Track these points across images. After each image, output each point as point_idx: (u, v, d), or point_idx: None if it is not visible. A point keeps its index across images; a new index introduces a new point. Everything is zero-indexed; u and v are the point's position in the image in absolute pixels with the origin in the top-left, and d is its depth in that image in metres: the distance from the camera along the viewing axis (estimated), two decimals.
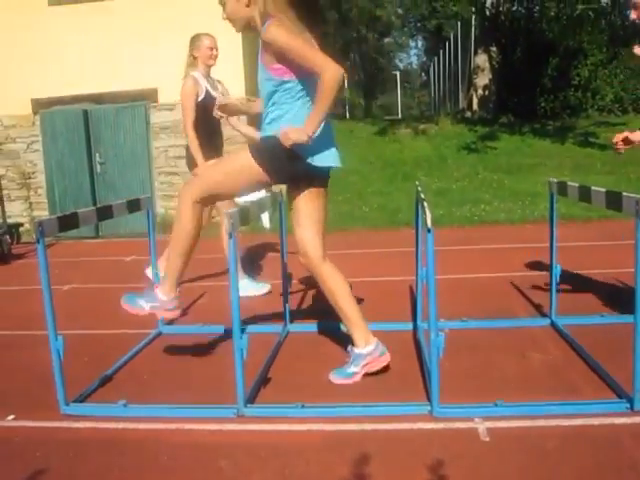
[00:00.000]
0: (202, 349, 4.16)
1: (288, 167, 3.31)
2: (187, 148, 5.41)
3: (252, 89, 10.51)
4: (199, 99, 5.25)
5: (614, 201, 3.12)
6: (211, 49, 5.39)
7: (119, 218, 4.38)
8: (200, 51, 5.36)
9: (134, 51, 9.96)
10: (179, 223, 3.48)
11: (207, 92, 5.32)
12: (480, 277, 5.89)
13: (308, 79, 3.19)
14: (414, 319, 4.38)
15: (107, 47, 10.05)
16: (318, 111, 3.13)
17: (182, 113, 5.24)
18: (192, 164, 5.32)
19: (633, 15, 3.46)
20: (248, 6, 3.26)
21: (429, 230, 2.87)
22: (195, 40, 5.41)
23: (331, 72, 3.03)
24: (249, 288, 5.42)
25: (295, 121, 3.22)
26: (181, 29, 9.85)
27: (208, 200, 3.51)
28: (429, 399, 3.07)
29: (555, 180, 4.10)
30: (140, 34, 9.98)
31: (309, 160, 3.29)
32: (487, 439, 2.79)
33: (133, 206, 4.07)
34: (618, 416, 2.93)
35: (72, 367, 3.50)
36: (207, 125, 5.25)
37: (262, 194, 4.14)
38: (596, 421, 2.90)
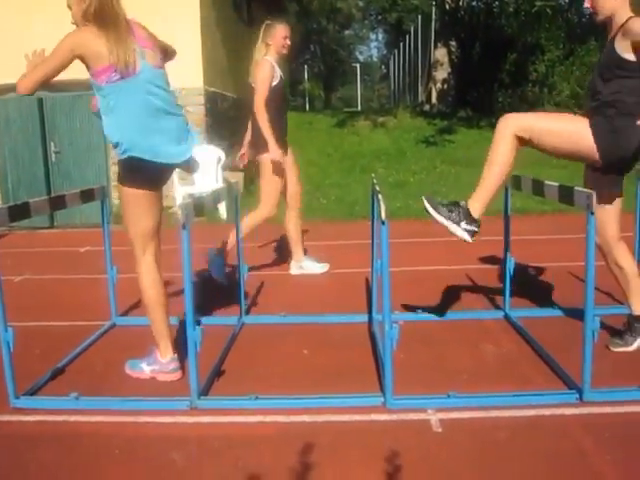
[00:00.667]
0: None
1: (146, 176, 3.33)
2: (254, 132, 5.51)
3: (210, 78, 10.46)
4: (273, 83, 5.36)
5: (566, 195, 3.17)
6: (285, 38, 5.48)
7: (74, 208, 4.32)
8: (275, 39, 5.44)
9: None
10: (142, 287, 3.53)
11: (280, 78, 5.45)
12: (436, 269, 5.94)
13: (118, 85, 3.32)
14: (369, 311, 4.39)
15: (62, 34, 9.85)
16: None
17: (256, 96, 5.32)
18: (263, 148, 5.39)
19: (587, 4, 3.52)
20: None
21: (383, 222, 2.88)
22: (270, 28, 5.48)
23: (18, 87, 3.29)
24: (312, 267, 5.87)
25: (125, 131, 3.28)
26: (139, 19, 9.75)
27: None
28: (383, 391, 3.09)
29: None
30: None
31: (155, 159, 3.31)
32: (439, 430, 2.82)
33: (87, 196, 4.01)
34: (568, 407, 2.99)
35: (23, 360, 3.43)
36: (277, 110, 5.40)
37: (218, 185, 4.12)
38: (547, 412, 2.95)
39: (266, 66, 5.36)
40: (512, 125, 3.40)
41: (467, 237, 3.47)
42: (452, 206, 3.53)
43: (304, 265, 5.88)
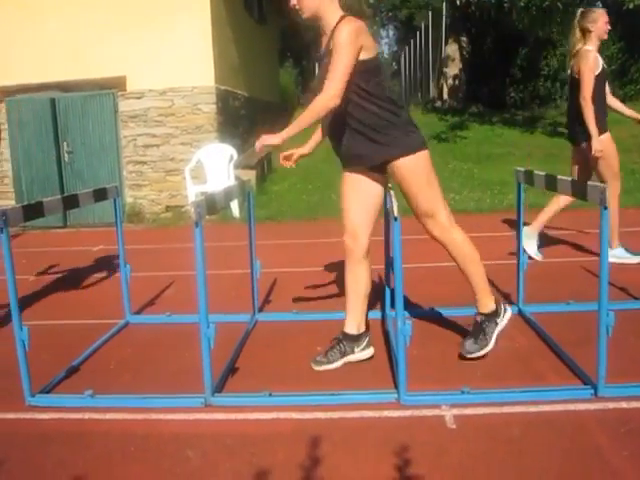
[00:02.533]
0: (170, 339, 4.14)
1: None
2: (573, 122, 5.59)
3: (222, 76, 10.47)
4: (596, 73, 5.36)
5: (579, 190, 3.15)
6: (606, 23, 5.46)
7: (87, 207, 4.35)
8: (597, 25, 5.41)
9: (103, 39, 9.84)
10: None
11: (602, 67, 5.44)
12: (448, 266, 5.87)
13: None
14: (383, 308, 4.39)
15: (75, 34, 9.91)
16: None
17: (582, 86, 5.34)
18: (584, 137, 5.43)
19: (292, 2, 3.32)
20: None
21: (395, 219, 2.88)
22: (591, 13, 5.46)
23: None
24: (623, 257, 5.62)
25: None
26: (150, 19, 9.81)
27: None
28: (396, 387, 3.08)
29: (522, 169, 4.13)
30: (109, 22, 9.86)
31: None
32: (454, 426, 2.81)
33: (99, 195, 4.02)
34: (583, 402, 2.97)
35: (38, 358, 3.46)
36: (600, 99, 5.41)
37: (230, 183, 4.13)
38: (561, 407, 2.94)
39: (590, 57, 5.34)
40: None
41: (369, 354, 3.60)
42: (336, 346, 3.59)
43: (617, 253, 5.64)
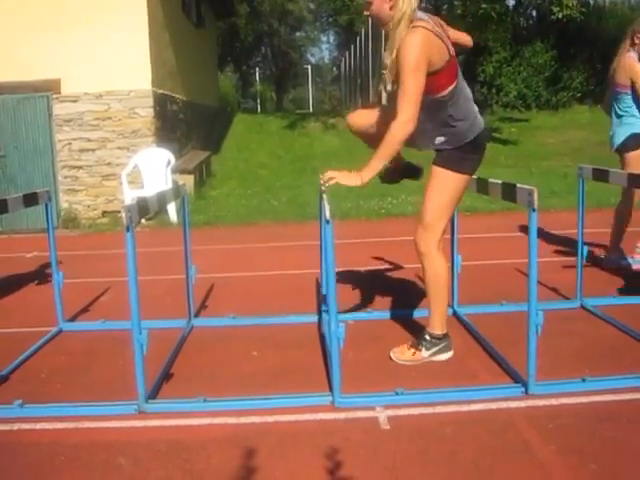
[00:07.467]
0: (104, 346, 4.07)
1: None
2: None
3: (159, 80, 10.36)
4: None
5: (509, 192, 3.22)
6: None
7: (21, 213, 4.25)
8: None
9: (36, 40, 9.62)
10: None
11: None
12: (385, 269, 5.96)
13: None
14: (319, 312, 4.40)
15: (7, 35, 9.67)
16: None
17: None
18: None
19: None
20: None
21: (328, 221, 2.89)
22: None
23: None
24: None
25: None
26: (85, 21, 9.64)
27: None
28: (331, 390, 3.09)
29: None
30: (43, 23, 9.66)
31: None
32: (387, 427, 2.84)
33: (30, 200, 3.94)
34: (514, 400, 3.04)
35: None
36: None
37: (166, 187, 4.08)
38: (493, 405, 3.00)
39: None
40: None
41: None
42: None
43: None
